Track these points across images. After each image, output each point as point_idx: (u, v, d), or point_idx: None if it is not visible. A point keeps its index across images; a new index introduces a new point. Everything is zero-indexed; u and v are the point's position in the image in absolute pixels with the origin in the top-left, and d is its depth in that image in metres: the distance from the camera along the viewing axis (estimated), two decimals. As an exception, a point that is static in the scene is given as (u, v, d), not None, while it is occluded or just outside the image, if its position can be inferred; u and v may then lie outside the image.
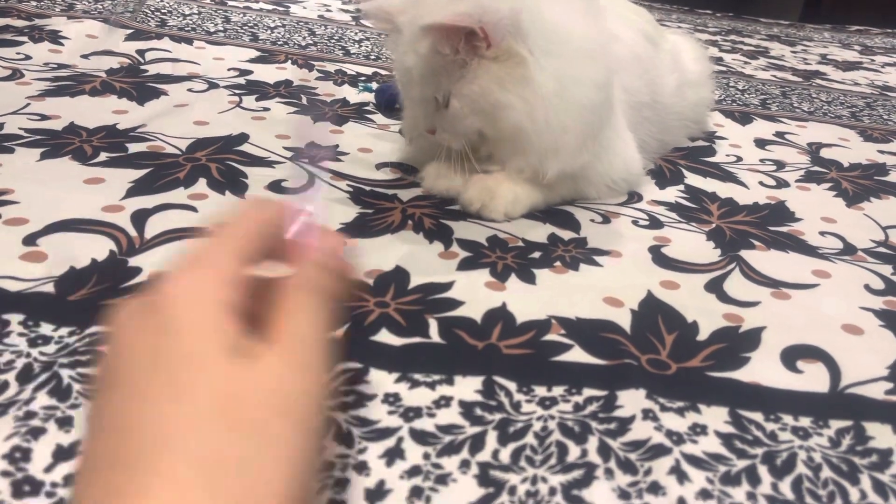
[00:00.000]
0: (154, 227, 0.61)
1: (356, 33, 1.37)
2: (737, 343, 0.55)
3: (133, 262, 0.56)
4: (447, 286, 0.58)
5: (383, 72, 1.15)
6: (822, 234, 0.77)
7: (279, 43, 1.23)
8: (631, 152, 0.81)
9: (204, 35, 1.20)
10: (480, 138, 0.70)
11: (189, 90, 0.94)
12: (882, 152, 1.06)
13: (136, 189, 0.67)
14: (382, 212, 0.70)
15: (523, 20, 0.64)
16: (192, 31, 1.21)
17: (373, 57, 1.23)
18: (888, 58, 1.87)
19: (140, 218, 0.62)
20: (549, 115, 0.66)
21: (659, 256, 0.68)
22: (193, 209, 0.65)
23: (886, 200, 0.88)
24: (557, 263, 0.64)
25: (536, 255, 0.65)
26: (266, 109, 0.91)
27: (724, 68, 1.52)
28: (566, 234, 0.70)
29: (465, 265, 0.62)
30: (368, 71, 1.14)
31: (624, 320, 0.56)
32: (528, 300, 0.58)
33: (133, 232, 0.60)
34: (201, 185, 0.69)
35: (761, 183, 0.89)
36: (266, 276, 0.28)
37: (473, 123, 0.68)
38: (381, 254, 0.62)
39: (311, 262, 0.29)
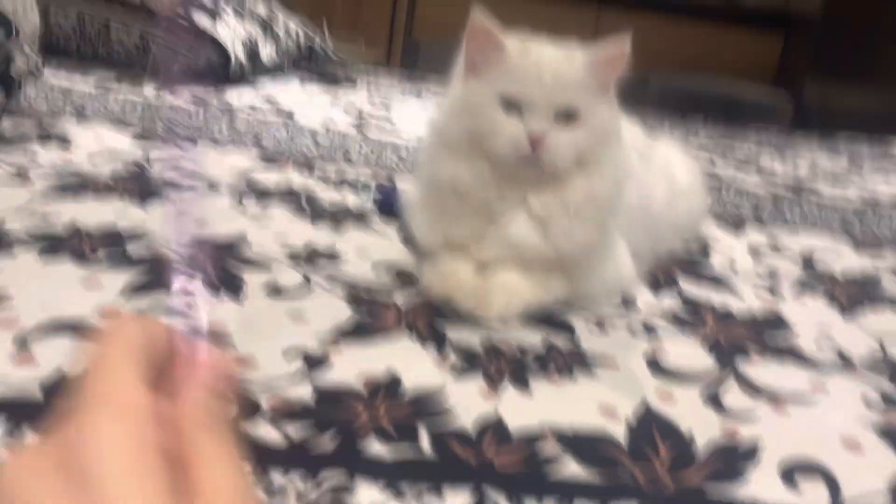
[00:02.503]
0: (147, 329, 0.61)
1: (357, 139, 1.41)
2: (734, 458, 0.54)
3: (123, 365, 0.55)
4: (438, 392, 0.57)
5: (383, 176, 1.17)
6: (818, 345, 0.76)
7: (282, 148, 1.26)
8: (622, 256, 0.83)
9: (209, 139, 1.24)
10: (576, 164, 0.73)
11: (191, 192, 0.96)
12: (874, 263, 1.08)
13: (133, 290, 0.67)
14: (377, 315, 0.70)
15: None
16: (198, 136, 1.25)
17: (373, 162, 1.26)
18: (876, 168, 1.92)
19: (134, 320, 0.62)
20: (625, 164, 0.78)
21: (654, 365, 0.67)
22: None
23: (881, 313, 0.88)
24: (552, 371, 0.64)
25: (531, 361, 0.65)
26: (266, 212, 0.93)
27: (715, 176, 1.56)
28: (561, 341, 0.70)
29: (457, 371, 0.61)
30: (368, 175, 1.17)
31: (619, 432, 0.56)
32: (522, 409, 0.57)
33: (125, 334, 0.59)
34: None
35: (755, 293, 0.90)
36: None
37: (592, 145, 0.72)
38: (373, 359, 0.61)
39: (204, 385, 0.25)
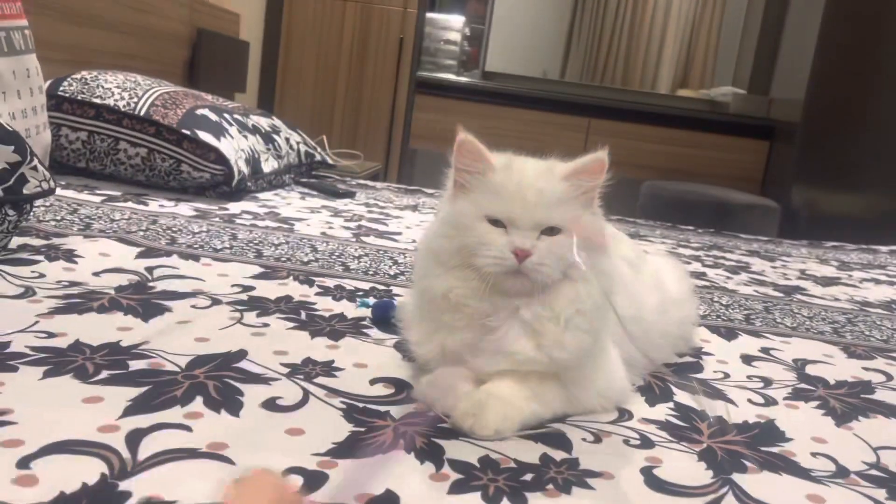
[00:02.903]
0: (148, 448, 0.61)
1: (356, 249, 1.45)
2: (734, 575, 0.54)
3: (123, 486, 0.55)
4: (438, 512, 0.57)
5: (380, 287, 1.20)
6: (814, 455, 0.77)
7: (282, 259, 1.29)
8: (615, 365, 0.84)
9: (211, 252, 1.27)
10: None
11: (193, 306, 0.98)
12: (866, 369, 1.09)
13: (134, 408, 0.68)
14: (374, 430, 0.70)
15: None
16: (200, 248, 1.28)
17: (371, 272, 1.29)
18: (865, 273, 1.96)
19: (134, 438, 0.62)
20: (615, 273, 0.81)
21: (651, 479, 0.68)
22: (188, 428, 0.66)
23: (875, 419, 0.89)
24: (550, 486, 0.64)
25: (528, 476, 0.65)
26: (266, 325, 0.95)
27: (707, 283, 1.59)
28: (558, 455, 0.70)
29: (455, 488, 0.62)
30: (366, 286, 1.19)
31: (617, 550, 0.55)
32: (520, 527, 0.57)
33: (126, 453, 0.60)
34: (198, 404, 0.70)
35: (750, 400, 0.90)
36: None
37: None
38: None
39: None
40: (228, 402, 0.72)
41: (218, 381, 0.76)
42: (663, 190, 3.47)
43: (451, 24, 4.10)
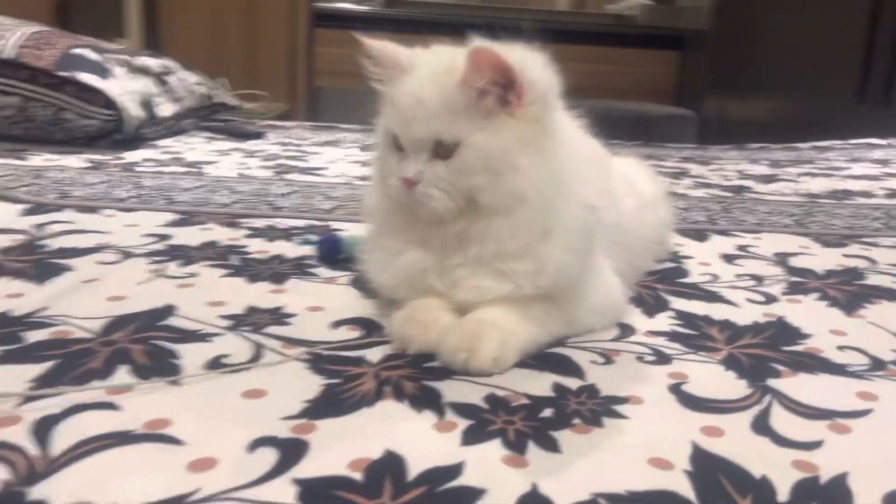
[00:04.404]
0: (64, 438, 0.46)
1: (280, 187, 1.29)
2: (825, 500, 0.45)
3: (35, 492, 0.41)
4: (456, 470, 0.46)
5: (316, 223, 1.05)
6: (840, 348, 0.69)
7: (198, 204, 1.12)
8: (610, 278, 0.74)
9: (113, 202, 1.09)
10: (468, 205, 0.62)
11: (99, 262, 0.81)
12: (847, 256, 1.03)
13: (38, 390, 0.52)
14: (351, 380, 0.57)
15: (553, 96, 0.65)
16: (100, 200, 1.10)
17: (303, 209, 1.14)
18: (798, 168, 1.94)
19: (44, 428, 0.47)
20: (554, 195, 0.63)
21: (683, 397, 0.58)
22: (115, 407, 0.51)
23: (880, 304, 0.82)
24: (577, 421, 0.53)
25: (548, 413, 0.54)
26: (193, 275, 0.79)
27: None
28: (572, 383, 0.59)
29: (469, 438, 0.50)
30: (301, 223, 1.05)
31: (683, 486, 0.45)
32: (561, 475, 0.46)
33: (34, 450, 0.45)
34: (123, 374, 0.56)
35: (749, 300, 0.82)
36: None
37: (477, 181, 0.61)
38: (363, 436, 0.49)
39: None
40: (162, 367, 0.57)
41: (144, 343, 0.61)
42: (579, 108, 3.40)
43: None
